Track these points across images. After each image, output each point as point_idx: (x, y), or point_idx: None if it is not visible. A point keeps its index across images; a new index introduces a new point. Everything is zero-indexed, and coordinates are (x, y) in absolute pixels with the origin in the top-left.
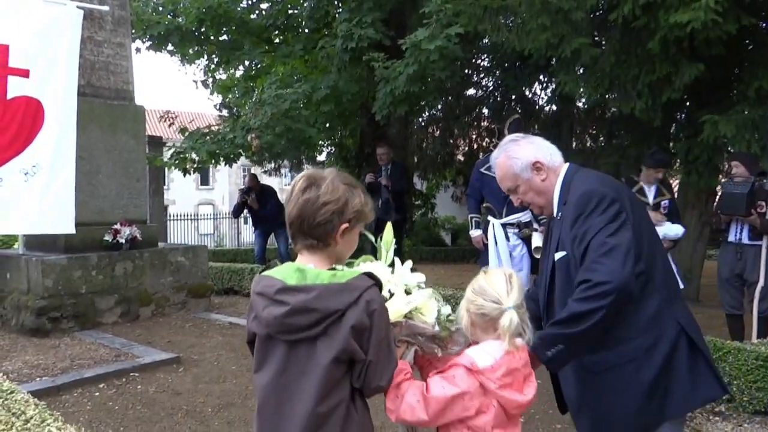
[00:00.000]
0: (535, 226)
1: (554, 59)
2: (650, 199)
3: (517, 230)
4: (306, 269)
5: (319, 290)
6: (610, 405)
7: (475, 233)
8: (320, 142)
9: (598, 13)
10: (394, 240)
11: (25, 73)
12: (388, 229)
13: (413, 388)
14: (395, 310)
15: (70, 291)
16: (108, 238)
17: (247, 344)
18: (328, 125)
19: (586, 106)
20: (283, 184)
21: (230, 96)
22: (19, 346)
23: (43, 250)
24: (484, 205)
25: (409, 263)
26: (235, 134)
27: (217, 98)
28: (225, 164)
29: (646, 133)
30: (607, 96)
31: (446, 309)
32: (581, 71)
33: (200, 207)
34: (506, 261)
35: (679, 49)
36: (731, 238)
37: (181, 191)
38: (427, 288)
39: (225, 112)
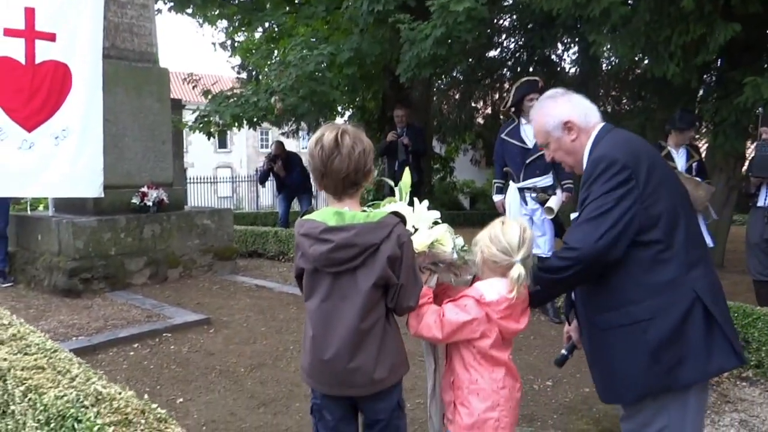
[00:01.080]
0: (557, 190)
1: (582, 19)
2: (681, 163)
3: (534, 194)
4: (344, 212)
5: (357, 228)
6: (616, 363)
7: (497, 198)
8: (342, 105)
9: None
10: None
11: (51, 37)
12: (407, 174)
13: (432, 311)
14: (420, 242)
15: (100, 253)
16: (136, 200)
17: (295, 278)
18: (350, 88)
19: (610, 68)
20: (300, 147)
21: (251, 58)
22: (53, 306)
23: (72, 213)
24: (504, 169)
25: (426, 203)
26: (258, 97)
27: (236, 60)
28: (249, 127)
29: (673, 94)
30: (637, 58)
31: (459, 240)
32: (613, 31)
33: (218, 170)
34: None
35: (714, 8)
36: (761, 202)
37: (199, 154)
38: (443, 224)
39: (244, 75)
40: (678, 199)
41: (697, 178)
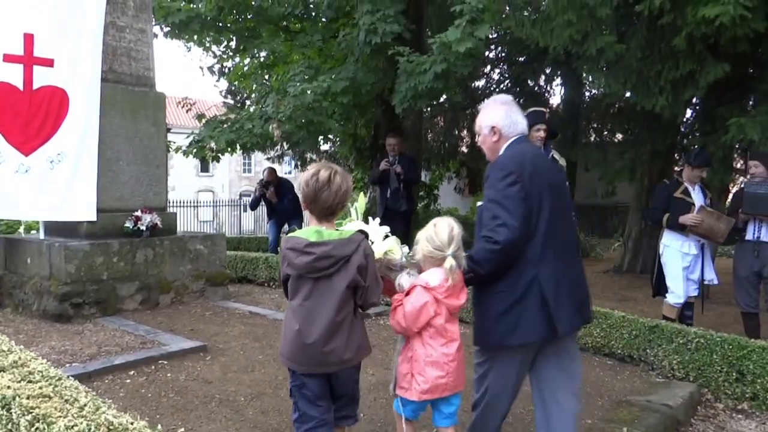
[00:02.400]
0: None
1: (576, 54)
2: (700, 199)
3: None
4: (322, 230)
5: (334, 244)
6: (480, 318)
7: None
8: (336, 133)
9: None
10: (366, 204)
11: (50, 63)
12: (362, 198)
13: (401, 309)
14: (376, 251)
15: (92, 277)
16: (129, 225)
17: (282, 283)
18: (345, 116)
19: (593, 100)
20: (284, 171)
21: (243, 82)
22: (43, 331)
23: (63, 236)
24: None
25: (377, 220)
26: (253, 123)
27: (223, 85)
28: (242, 153)
29: (661, 127)
30: (626, 92)
31: (405, 249)
32: (605, 67)
33: (200, 194)
34: None
35: (704, 47)
36: (749, 236)
37: (181, 178)
38: (392, 236)
39: (230, 100)
40: (546, 203)
41: (717, 212)
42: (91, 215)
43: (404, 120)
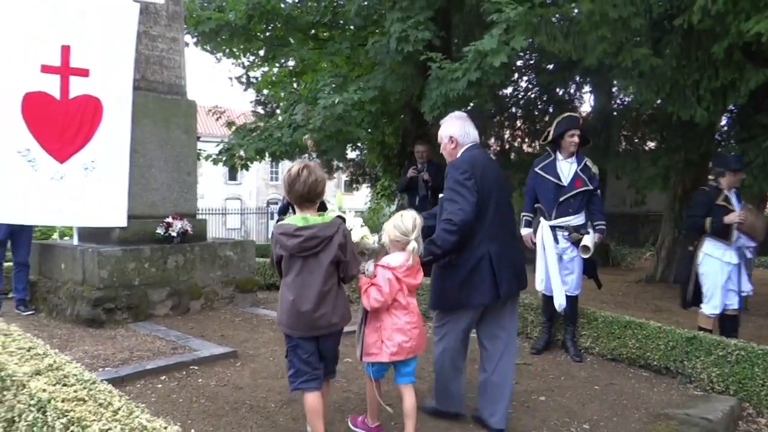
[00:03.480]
0: (589, 229)
1: (609, 65)
2: (737, 205)
3: (567, 233)
4: (307, 217)
5: (318, 227)
6: (438, 286)
7: (523, 231)
8: (364, 141)
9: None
10: (342, 199)
11: (85, 73)
12: (339, 195)
13: (374, 289)
14: (354, 236)
15: (124, 282)
16: (160, 231)
17: (275, 264)
18: (373, 124)
19: (624, 108)
20: None
21: (274, 91)
22: (77, 336)
23: (96, 242)
24: (536, 205)
25: (353, 213)
26: (282, 132)
27: (252, 95)
28: (271, 161)
29: (695, 135)
30: (658, 100)
31: (375, 236)
32: (639, 76)
33: (228, 201)
34: (553, 263)
35: (742, 54)
36: None
37: (209, 186)
38: (365, 226)
39: (260, 109)
40: (494, 195)
41: (754, 209)
42: (123, 221)
43: (432, 127)
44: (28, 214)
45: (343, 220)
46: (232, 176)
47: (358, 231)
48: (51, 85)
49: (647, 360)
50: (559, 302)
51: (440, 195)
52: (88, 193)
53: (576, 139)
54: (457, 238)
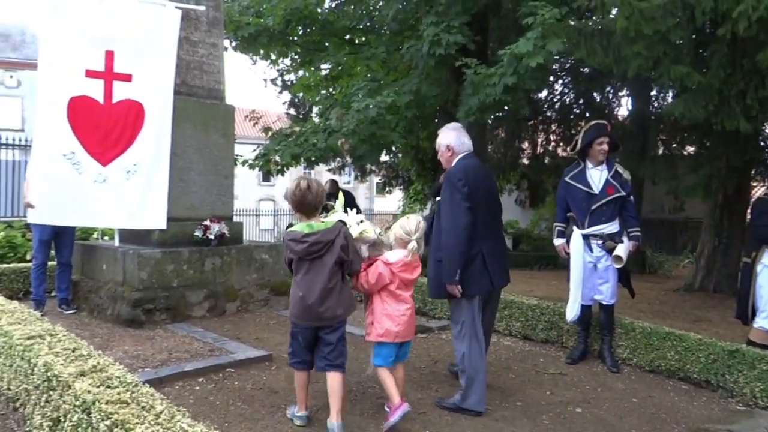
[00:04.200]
0: (623, 237)
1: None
2: None
3: (600, 242)
4: (312, 224)
5: (321, 233)
6: (438, 278)
7: (556, 242)
8: (398, 146)
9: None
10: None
11: (128, 78)
12: (341, 196)
13: (363, 275)
14: (354, 232)
15: (163, 284)
16: (198, 233)
17: (287, 265)
18: (408, 129)
19: (661, 111)
20: (343, 182)
21: (310, 95)
22: (117, 335)
23: (136, 244)
24: (568, 214)
25: (354, 210)
26: (317, 138)
27: (285, 96)
28: (306, 166)
29: (737, 142)
30: (707, 114)
31: (378, 229)
32: (684, 91)
33: (261, 203)
34: (580, 272)
35: None
36: None
37: (243, 187)
38: (366, 221)
39: (292, 111)
40: (484, 200)
41: None
42: (163, 224)
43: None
44: (72, 215)
45: (344, 224)
46: (266, 177)
47: (357, 228)
48: (95, 90)
49: (687, 373)
50: (574, 313)
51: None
52: (129, 196)
53: (605, 147)
54: (464, 236)
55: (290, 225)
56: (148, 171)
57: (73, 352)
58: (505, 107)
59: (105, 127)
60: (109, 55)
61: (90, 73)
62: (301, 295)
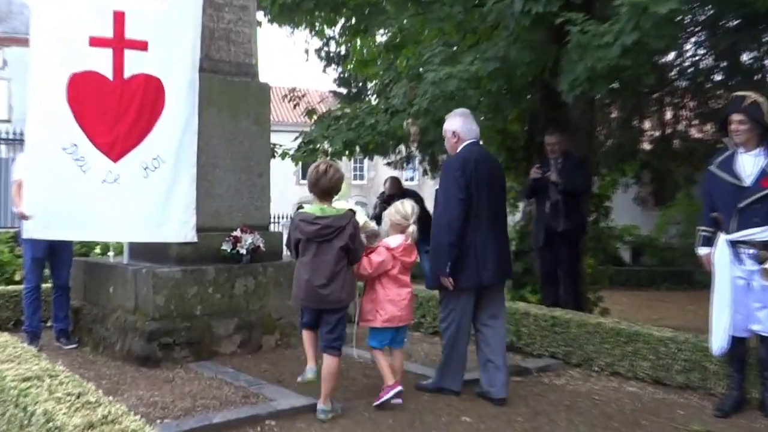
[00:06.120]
0: None
1: None
2: None
3: (753, 251)
4: (324, 208)
5: (333, 218)
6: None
7: (702, 251)
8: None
9: None
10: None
11: (143, 46)
12: (345, 186)
13: (365, 261)
14: (360, 222)
15: (183, 312)
16: (226, 247)
17: (293, 246)
18: (493, 107)
19: None
20: (405, 178)
21: (367, 71)
22: (129, 377)
23: (150, 260)
24: (713, 214)
25: (354, 201)
26: (376, 118)
27: (333, 72)
28: (363, 156)
29: None
30: None
31: (374, 223)
32: None
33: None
34: (726, 292)
35: None
36: None
37: (278, 186)
38: (361, 211)
39: (342, 89)
40: (485, 192)
41: None
42: (191, 236)
43: (570, 110)
44: (75, 228)
45: (354, 213)
46: (305, 175)
47: (360, 219)
48: (102, 63)
49: None
50: (719, 345)
51: (580, 198)
52: (150, 200)
53: (739, 127)
54: (458, 225)
55: (300, 206)
56: (172, 167)
57: (78, 398)
58: (622, 76)
59: (116, 111)
60: (119, 17)
61: (95, 41)
62: (306, 278)
